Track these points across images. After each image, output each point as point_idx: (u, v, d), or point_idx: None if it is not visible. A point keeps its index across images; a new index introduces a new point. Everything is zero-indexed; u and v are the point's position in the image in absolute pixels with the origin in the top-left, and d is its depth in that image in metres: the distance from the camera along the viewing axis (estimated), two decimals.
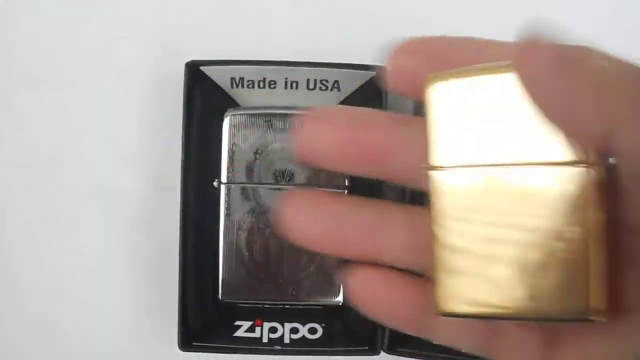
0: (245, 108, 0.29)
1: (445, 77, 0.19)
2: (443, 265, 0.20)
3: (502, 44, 0.20)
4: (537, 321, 0.20)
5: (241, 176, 0.28)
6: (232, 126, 0.29)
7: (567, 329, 0.20)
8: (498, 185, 0.19)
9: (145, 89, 0.34)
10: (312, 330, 0.31)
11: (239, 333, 0.31)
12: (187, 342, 0.31)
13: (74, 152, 0.34)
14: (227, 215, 0.28)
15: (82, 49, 0.34)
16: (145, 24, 0.34)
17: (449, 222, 0.20)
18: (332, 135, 0.21)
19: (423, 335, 0.22)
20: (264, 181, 0.28)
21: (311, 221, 0.22)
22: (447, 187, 0.19)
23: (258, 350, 0.31)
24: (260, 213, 0.28)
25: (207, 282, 0.31)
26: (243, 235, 0.28)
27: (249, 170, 0.28)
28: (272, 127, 0.28)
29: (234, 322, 0.31)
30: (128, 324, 0.34)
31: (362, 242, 0.22)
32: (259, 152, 0.28)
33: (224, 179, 0.29)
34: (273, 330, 0.31)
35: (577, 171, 0.18)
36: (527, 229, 0.19)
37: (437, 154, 0.20)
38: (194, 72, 0.31)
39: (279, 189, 0.28)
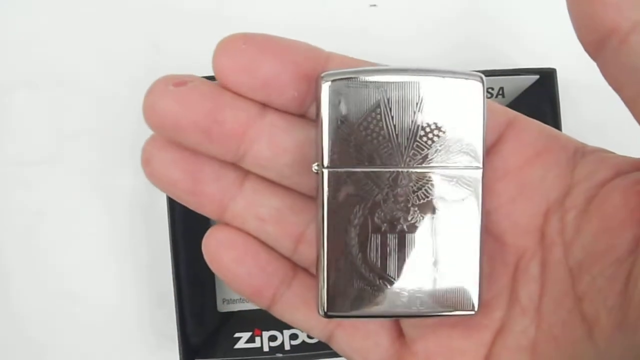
0: (346, 72, 0.20)
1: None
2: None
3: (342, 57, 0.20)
4: (418, 318, 0.21)
5: (349, 157, 0.20)
6: (335, 94, 0.20)
7: (422, 323, 0.21)
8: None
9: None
10: None
11: (240, 345, 0.31)
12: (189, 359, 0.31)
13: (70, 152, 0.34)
14: (332, 209, 0.20)
15: (80, 50, 0.35)
16: (144, 26, 0.35)
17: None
18: (195, 108, 0.19)
19: (273, 312, 0.22)
20: (376, 159, 0.20)
21: None
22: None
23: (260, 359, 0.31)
24: (374, 204, 0.20)
25: (203, 294, 0.31)
26: (354, 232, 0.20)
27: (358, 148, 0.20)
28: (386, 95, 0.20)
29: (234, 334, 0.31)
30: (129, 339, 0.34)
31: None
32: (371, 125, 0.20)
33: (327, 162, 0.20)
34: (273, 338, 0.31)
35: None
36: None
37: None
38: None
39: (398, 171, 0.20)
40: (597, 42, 0.17)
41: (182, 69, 0.30)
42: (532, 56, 0.34)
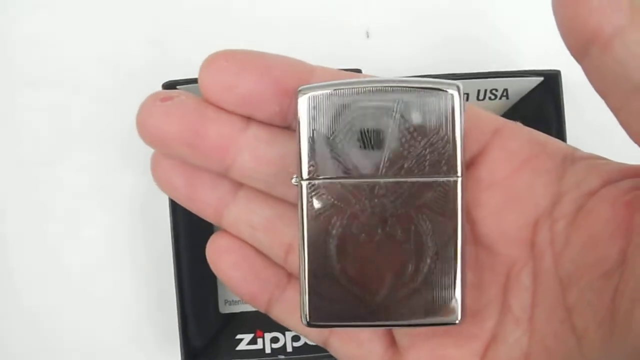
0: (323, 86, 0.21)
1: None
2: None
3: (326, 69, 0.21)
4: (402, 327, 0.21)
5: (327, 169, 0.21)
6: (312, 108, 0.20)
7: (414, 332, 0.21)
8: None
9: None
10: None
11: (242, 346, 0.31)
12: None
13: (73, 152, 0.35)
14: (311, 220, 0.21)
15: (82, 50, 0.35)
16: (148, 28, 0.35)
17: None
18: (179, 122, 0.20)
19: (271, 316, 0.23)
20: (353, 170, 0.20)
21: None
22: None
23: None
24: (352, 215, 0.21)
25: (205, 296, 0.31)
26: (333, 243, 0.21)
27: (336, 160, 0.20)
28: (362, 107, 0.20)
29: (235, 335, 0.31)
30: (129, 340, 0.34)
31: None
32: (347, 136, 0.20)
33: (305, 174, 0.20)
34: (275, 340, 0.31)
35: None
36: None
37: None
38: None
39: (375, 181, 0.21)
40: (581, 46, 0.17)
41: (183, 69, 0.30)
42: (537, 58, 0.34)
